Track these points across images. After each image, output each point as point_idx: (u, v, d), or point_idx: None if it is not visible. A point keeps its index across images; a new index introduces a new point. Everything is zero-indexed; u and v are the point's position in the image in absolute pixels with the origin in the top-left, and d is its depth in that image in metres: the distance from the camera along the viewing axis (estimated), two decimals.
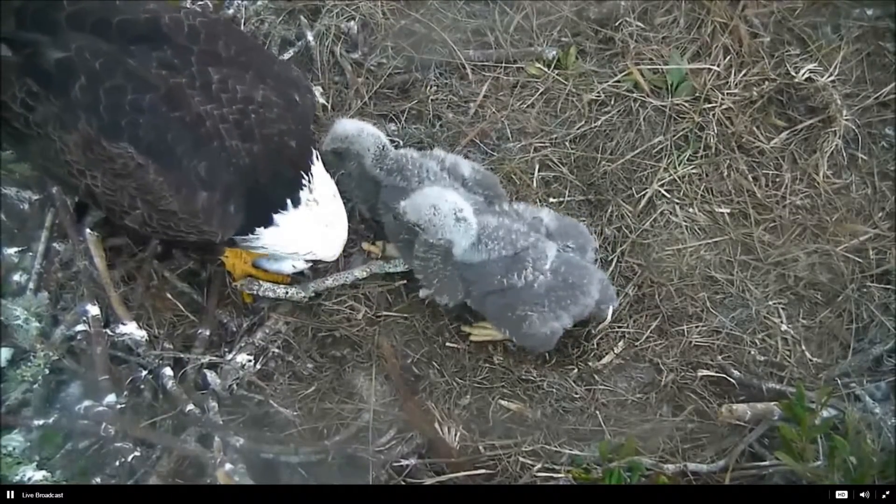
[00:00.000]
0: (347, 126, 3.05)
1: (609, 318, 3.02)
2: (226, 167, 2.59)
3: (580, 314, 2.94)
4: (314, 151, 2.83)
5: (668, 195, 3.31)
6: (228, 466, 2.62)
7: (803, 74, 3.44)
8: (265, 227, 2.75)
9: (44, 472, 2.65)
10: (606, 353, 3.03)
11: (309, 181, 2.77)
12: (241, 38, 2.89)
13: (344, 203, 2.93)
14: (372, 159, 3.02)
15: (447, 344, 3.03)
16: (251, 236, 2.77)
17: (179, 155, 2.54)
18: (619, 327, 3.07)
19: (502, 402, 2.92)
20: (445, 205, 2.81)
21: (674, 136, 3.39)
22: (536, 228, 2.94)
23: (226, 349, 2.98)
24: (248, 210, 2.68)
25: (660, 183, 3.31)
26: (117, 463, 2.66)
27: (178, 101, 2.55)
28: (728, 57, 3.52)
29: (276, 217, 2.74)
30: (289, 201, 2.74)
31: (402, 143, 3.35)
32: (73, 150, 2.54)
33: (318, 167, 2.83)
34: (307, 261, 3.05)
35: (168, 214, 2.59)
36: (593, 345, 3.04)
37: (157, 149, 2.52)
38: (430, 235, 2.83)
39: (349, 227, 3.17)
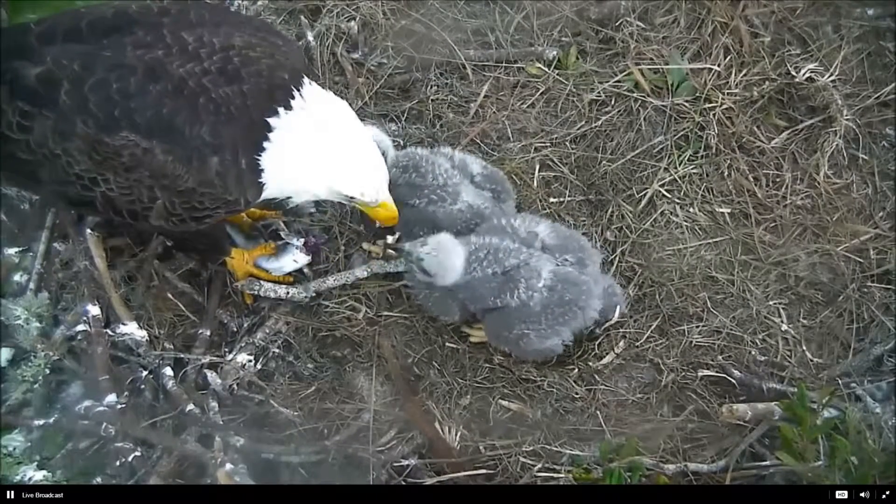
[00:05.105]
0: None
1: (615, 317, 3.03)
2: (225, 121, 2.51)
3: (581, 327, 2.95)
4: (313, 83, 2.64)
5: (669, 195, 3.30)
6: (229, 466, 2.62)
7: (804, 74, 3.43)
8: (261, 155, 2.55)
9: (44, 472, 2.66)
10: (607, 353, 3.02)
11: (299, 92, 2.58)
12: (215, 7, 2.81)
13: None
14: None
15: (447, 344, 3.03)
16: (262, 179, 2.58)
17: (180, 126, 2.48)
18: (620, 327, 3.06)
19: (502, 402, 2.92)
20: (459, 259, 2.83)
21: (674, 135, 3.38)
22: (530, 244, 2.92)
23: (226, 349, 2.98)
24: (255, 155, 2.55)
25: (660, 183, 3.31)
26: (118, 463, 2.67)
27: (158, 73, 2.49)
28: (728, 57, 3.51)
29: (269, 136, 2.55)
30: (280, 109, 2.56)
31: (402, 143, 3.35)
32: (78, 159, 2.50)
33: (315, 88, 2.64)
34: (306, 250, 2.99)
35: (188, 194, 2.53)
36: (593, 345, 3.04)
37: (157, 127, 2.47)
38: (436, 279, 2.84)
39: (349, 227, 3.16)
